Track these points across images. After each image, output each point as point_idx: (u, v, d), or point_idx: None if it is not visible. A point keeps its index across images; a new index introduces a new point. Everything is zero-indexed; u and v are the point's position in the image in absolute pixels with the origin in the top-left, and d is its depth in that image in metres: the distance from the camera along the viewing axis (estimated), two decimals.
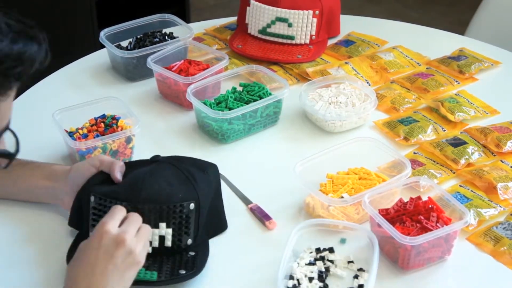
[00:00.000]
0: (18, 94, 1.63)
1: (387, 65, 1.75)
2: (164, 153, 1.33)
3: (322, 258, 1.19)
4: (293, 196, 1.33)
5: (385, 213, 1.22)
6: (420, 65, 1.77)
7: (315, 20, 1.77)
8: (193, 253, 1.18)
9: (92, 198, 1.19)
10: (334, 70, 1.72)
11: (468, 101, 1.61)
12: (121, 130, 1.41)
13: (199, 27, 1.93)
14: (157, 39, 1.75)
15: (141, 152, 1.43)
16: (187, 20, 3.10)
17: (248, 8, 1.81)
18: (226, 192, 1.33)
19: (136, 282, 1.10)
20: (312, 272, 1.16)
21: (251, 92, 1.54)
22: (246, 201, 1.34)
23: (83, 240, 1.10)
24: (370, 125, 1.55)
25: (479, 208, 1.30)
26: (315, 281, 1.14)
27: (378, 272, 1.14)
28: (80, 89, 1.68)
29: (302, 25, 1.77)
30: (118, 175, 1.21)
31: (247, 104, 1.49)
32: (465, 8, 3.61)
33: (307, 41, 1.79)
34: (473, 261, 1.22)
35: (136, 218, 1.11)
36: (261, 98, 1.51)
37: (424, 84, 1.67)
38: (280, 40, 1.79)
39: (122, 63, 1.69)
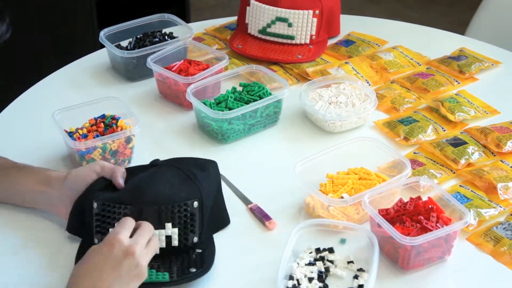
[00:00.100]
0: (18, 94, 1.64)
1: (387, 65, 1.75)
2: (164, 153, 1.33)
3: (322, 258, 1.19)
4: (293, 196, 1.33)
5: (385, 213, 1.22)
6: (420, 65, 1.77)
7: (315, 20, 1.77)
8: (200, 251, 1.19)
9: (95, 205, 1.19)
10: (334, 70, 1.72)
11: (468, 101, 1.61)
12: (121, 130, 1.41)
13: (199, 27, 1.93)
14: (157, 39, 1.75)
15: (141, 152, 1.43)
16: (187, 20, 3.10)
17: (248, 8, 1.81)
18: (226, 192, 1.33)
19: (149, 284, 1.11)
20: (312, 272, 1.16)
21: (251, 92, 1.54)
22: (246, 201, 1.34)
23: (88, 246, 1.11)
24: (370, 125, 1.55)
25: (479, 208, 1.30)
26: (315, 281, 1.14)
27: (378, 272, 1.14)
28: (80, 89, 1.68)
29: (302, 25, 1.77)
30: (120, 181, 1.22)
31: (247, 104, 1.49)
32: (465, 8, 3.61)
33: (307, 41, 1.79)
34: (473, 261, 1.22)
35: (147, 228, 1.12)
36: (261, 98, 1.51)
37: (424, 84, 1.67)
38: (280, 40, 1.79)
39: (122, 63, 1.69)
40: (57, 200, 1.24)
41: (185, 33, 1.75)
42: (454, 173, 1.41)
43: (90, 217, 1.19)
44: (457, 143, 1.46)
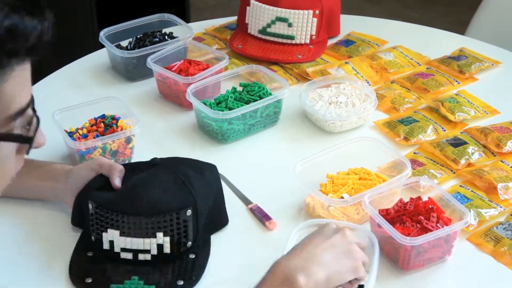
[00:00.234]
0: None
1: (387, 65, 1.75)
2: (164, 154, 1.33)
3: None
4: (293, 196, 1.33)
5: (385, 213, 1.22)
6: (420, 65, 1.77)
7: (315, 20, 1.77)
8: (193, 256, 1.18)
9: (90, 206, 1.19)
10: (334, 70, 1.71)
11: (468, 101, 1.61)
12: (121, 130, 1.41)
13: (199, 27, 1.93)
14: (157, 39, 1.74)
15: (141, 152, 1.43)
16: (187, 20, 3.10)
17: (248, 8, 1.81)
18: (226, 192, 1.33)
19: None
20: None
21: (251, 92, 1.54)
22: (246, 201, 1.34)
23: (87, 239, 1.16)
24: (370, 125, 1.55)
25: (479, 208, 1.30)
26: None
27: (378, 272, 1.14)
28: (80, 89, 1.68)
29: (302, 25, 1.77)
30: (116, 181, 1.22)
31: (247, 104, 1.49)
32: (465, 8, 3.61)
33: (307, 41, 1.79)
34: (473, 262, 1.22)
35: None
36: (261, 98, 1.51)
37: (424, 84, 1.67)
38: (280, 40, 1.79)
39: (122, 63, 1.69)
40: (63, 192, 1.26)
41: (185, 33, 1.75)
42: (454, 173, 1.41)
43: (87, 216, 1.20)
44: (457, 143, 1.46)
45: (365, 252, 1.10)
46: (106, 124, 1.43)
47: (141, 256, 1.17)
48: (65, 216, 1.28)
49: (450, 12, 3.86)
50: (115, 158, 1.40)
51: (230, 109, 1.48)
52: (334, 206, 1.27)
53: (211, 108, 1.48)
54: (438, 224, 1.18)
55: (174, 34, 1.78)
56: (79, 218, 1.24)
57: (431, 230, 1.16)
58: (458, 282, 1.19)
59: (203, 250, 1.21)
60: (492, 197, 1.33)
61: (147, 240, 1.16)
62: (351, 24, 1.94)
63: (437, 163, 1.43)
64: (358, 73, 1.71)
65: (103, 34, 1.72)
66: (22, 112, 0.82)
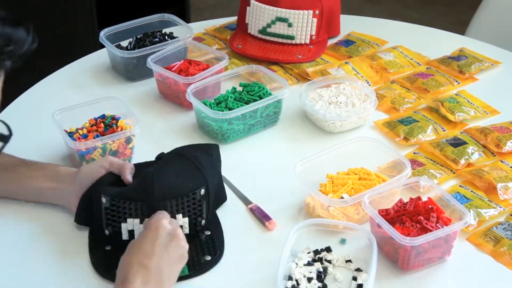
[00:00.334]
0: (18, 94, 1.64)
1: (387, 65, 1.75)
2: None
3: (320, 259, 1.19)
4: (293, 196, 1.33)
5: (385, 213, 1.22)
6: (420, 65, 1.77)
7: (315, 20, 1.77)
8: (208, 232, 1.23)
9: (104, 200, 1.20)
10: (334, 70, 1.72)
11: (468, 101, 1.61)
12: (121, 130, 1.41)
13: (199, 27, 1.93)
14: (157, 39, 1.75)
15: (141, 152, 1.43)
16: (187, 20, 3.10)
17: (248, 8, 1.81)
18: (226, 192, 1.33)
19: None
20: (310, 272, 1.16)
21: (251, 92, 1.54)
22: (246, 201, 1.34)
23: (98, 235, 1.21)
24: (370, 125, 1.55)
25: (479, 208, 1.30)
26: (314, 281, 1.14)
27: (378, 272, 1.14)
28: (80, 89, 1.68)
29: (302, 25, 1.77)
30: (129, 177, 1.24)
31: (247, 104, 1.49)
32: (465, 8, 3.60)
33: (307, 41, 1.79)
34: (473, 262, 1.22)
35: (176, 221, 1.17)
36: (261, 98, 1.51)
37: (424, 84, 1.67)
38: (280, 40, 1.79)
39: (122, 63, 1.69)
40: (68, 195, 1.26)
41: (185, 33, 1.75)
42: (454, 173, 1.41)
43: (99, 211, 1.21)
44: (457, 143, 1.46)
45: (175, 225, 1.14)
46: (106, 124, 1.43)
47: None
48: (69, 216, 1.28)
49: (450, 12, 3.86)
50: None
51: (230, 109, 1.48)
52: (334, 206, 1.27)
53: (211, 108, 1.48)
54: (437, 224, 1.18)
55: (174, 34, 1.78)
56: (85, 215, 1.24)
57: (430, 230, 1.16)
58: (458, 282, 1.19)
59: (215, 226, 1.25)
60: (492, 197, 1.34)
61: None
62: (351, 24, 1.94)
63: (437, 163, 1.43)
64: (358, 73, 1.71)
65: (103, 34, 1.72)
66: None
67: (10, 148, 1.36)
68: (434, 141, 1.48)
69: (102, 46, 1.74)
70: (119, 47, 1.73)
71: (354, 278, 1.16)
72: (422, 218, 1.18)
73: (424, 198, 1.24)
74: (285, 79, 1.63)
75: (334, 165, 1.36)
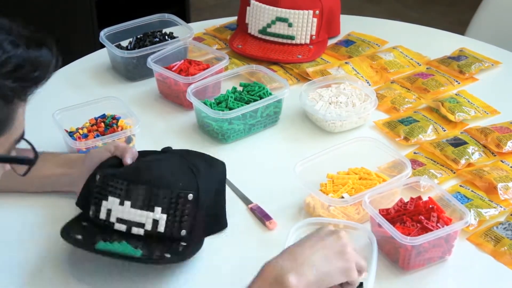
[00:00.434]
0: None
1: (387, 65, 1.75)
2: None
3: None
4: (293, 196, 1.33)
5: (385, 213, 1.22)
6: (420, 65, 1.77)
7: (315, 20, 1.77)
8: (185, 244, 1.19)
9: (97, 177, 1.22)
10: (334, 70, 1.72)
11: (468, 101, 1.61)
12: (121, 130, 1.41)
13: (199, 27, 1.93)
14: (157, 39, 1.75)
15: None
16: (187, 20, 3.10)
17: (248, 8, 1.81)
18: (226, 192, 1.33)
19: (120, 256, 1.13)
20: None
21: (251, 92, 1.54)
22: (246, 201, 1.34)
23: (84, 219, 1.20)
24: (370, 125, 1.55)
25: (479, 208, 1.30)
26: None
27: (378, 272, 1.14)
28: (80, 89, 1.68)
29: (302, 25, 1.77)
30: (128, 160, 1.25)
31: (247, 104, 1.49)
32: (465, 8, 3.60)
33: (307, 41, 1.79)
34: (473, 261, 1.22)
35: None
36: (261, 98, 1.51)
37: (424, 84, 1.67)
38: (280, 40, 1.79)
39: (122, 63, 1.69)
40: (78, 179, 1.27)
41: (185, 33, 1.75)
42: (454, 173, 1.41)
43: (92, 189, 1.22)
44: (457, 143, 1.46)
45: (361, 255, 1.08)
46: (107, 124, 1.43)
47: (134, 230, 1.18)
48: (73, 204, 1.29)
49: (450, 12, 3.86)
50: None
51: (230, 109, 1.48)
52: (334, 206, 1.27)
53: (211, 108, 1.48)
54: (438, 224, 1.18)
55: (174, 34, 1.78)
56: (84, 199, 1.25)
57: (431, 230, 1.16)
58: (458, 282, 1.19)
59: (195, 244, 1.20)
60: (492, 197, 1.34)
61: (144, 213, 1.17)
62: (351, 24, 1.94)
63: (437, 163, 1.43)
64: (358, 73, 1.71)
65: (103, 34, 1.72)
66: (22, 137, 0.91)
67: None
68: (435, 141, 1.48)
69: (102, 46, 1.74)
70: (119, 47, 1.73)
71: None
72: (422, 217, 1.18)
73: (425, 198, 1.24)
74: (285, 79, 1.63)
75: (334, 165, 1.36)
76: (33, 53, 0.82)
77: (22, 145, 0.93)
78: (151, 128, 1.53)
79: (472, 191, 1.35)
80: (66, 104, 1.48)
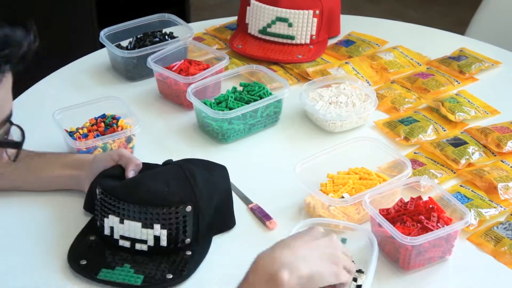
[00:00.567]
0: (18, 94, 1.64)
1: (387, 65, 1.75)
2: (164, 153, 1.34)
3: None
4: (293, 196, 1.33)
5: (385, 213, 1.22)
6: (420, 65, 1.77)
7: (315, 20, 1.77)
8: (189, 253, 1.19)
9: (97, 191, 1.22)
10: (335, 70, 1.71)
11: (469, 101, 1.61)
12: (121, 129, 1.41)
13: (199, 27, 1.93)
14: (157, 39, 1.74)
15: (141, 152, 1.43)
16: (187, 20, 3.09)
17: (248, 8, 1.81)
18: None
19: (120, 285, 1.14)
20: None
21: (251, 92, 1.54)
22: (246, 201, 1.34)
23: (93, 224, 1.22)
24: (371, 125, 1.55)
25: (479, 208, 1.30)
26: None
27: (379, 272, 1.14)
28: (80, 89, 1.68)
29: (302, 25, 1.77)
30: (130, 173, 1.25)
31: (247, 104, 1.49)
32: (465, 8, 3.60)
33: (307, 41, 1.79)
34: (473, 261, 1.22)
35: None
36: (261, 98, 1.51)
37: (424, 84, 1.67)
38: (280, 40, 1.79)
39: (122, 63, 1.69)
40: (85, 180, 1.29)
41: (185, 33, 1.75)
42: (454, 173, 1.41)
43: (95, 199, 1.23)
44: (457, 143, 1.46)
45: (349, 258, 1.08)
46: (107, 124, 1.43)
47: (138, 246, 1.18)
48: (79, 202, 1.30)
49: (450, 12, 3.86)
50: None
51: (230, 109, 1.48)
52: (334, 205, 1.27)
53: (211, 108, 1.48)
54: (438, 224, 1.18)
55: (174, 34, 1.78)
56: (91, 203, 1.26)
57: (431, 230, 1.16)
58: (458, 282, 1.19)
59: (201, 249, 1.21)
60: (493, 197, 1.33)
61: (144, 230, 1.17)
62: (351, 24, 1.94)
63: (438, 163, 1.43)
64: (358, 73, 1.71)
65: (103, 34, 1.72)
66: (8, 119, 0.89)
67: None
68: (435, 141, 1.48)
69: (102, 46, 1.74)
70: (119, 47, 1.73)
71: (354, 279, 1.15)
72: (423, 217, 1.18)
73: (425, 198, 1.24)
74: (285, 79, 1.63)
75: (334, 165, 1.36)
76: (3, 32, 0.81)
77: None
78: (151, 128, 1.53)
79: (472, 191, 1.35)
80: (66, 104, 1.48)
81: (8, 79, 0.86)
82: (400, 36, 1.89)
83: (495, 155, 1.46)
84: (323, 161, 1.35)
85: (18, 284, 1.17)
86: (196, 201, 1.19)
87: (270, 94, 1.53)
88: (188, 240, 1.19)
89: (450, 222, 1.19)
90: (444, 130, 1.53)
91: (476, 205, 1.30)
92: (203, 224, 1.20)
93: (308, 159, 1.34)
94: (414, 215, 1.20)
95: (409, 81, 1.69)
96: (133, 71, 1.70)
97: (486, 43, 1.88)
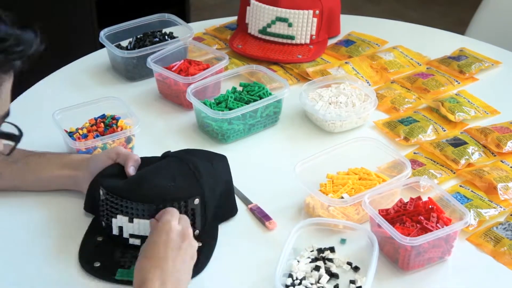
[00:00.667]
0: (18, 94, 1.64)
1: (387, 65, 1.75)
2: None
3: (323, 258, 1.19)
4: (293, 196, 1.33)
5: (385, 213, 1.22)
6: (420, 65, 1.77)
7: (315, 20, 1.77)
8: (200, 244, 1.19)
9: (101, 192, 1.22)
10: (334, 70, 1.71)
11: (469, 101, 1.61)
12: (121, 130, 1.41)
13: (199, 27, 1.93)
14: (157, 39, 1.74)
15: (141, 152, 1.42)
16: (187, 20, 3.10)
17: (248, 8, 1.81)
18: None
19: (128, 282, 1.13)
20: (311, 270, 1.16)
21: (251, 92, 1.54)
22: (246, 201, 1.34)
23: (98, 224, 1.22)
24: (370, 125, 1.55)
25: (479, 208, 1.30)
26: (314, 279, 1.14)
27: (378, 272, 1.14)
28: (80, 89, 1.68)
29: (302, 25, 1.77)
30: (131, 170, 1.25)
31: (247, 104, 1.49)
32: (465, 8, 3.60)
33: (307, 41, 1.79)
34: (473, 262, 1.22)
35: (186, 218, 1.17)
36: (261, 98, 1.51)
37: (424, 84, 1.67)
38: (280, 40, 1.79)
39: (122, 63, 1.69)
40: (83, 181, 1.29)
41: (185, 33, 1.75)
42: (454, 173, 1.41)
43: (98, 202, 1.23)
44: (457, 143, 1.46)
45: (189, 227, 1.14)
46: (106, 124, 1.43)
47: None
48: (78, 202, 1.30)
49: (450, 12, 3.86)
50: None
51: (230, 109, 1.48)
52: (334, 206, 1.27)
53: (211, 108, 1.48)
54: (438, 224, 1.18)
55: (174, 34, 1.78)
56: (91, 204, 1.26)
57: (431, 230, 1.16)
58: (458, 282, 1.19)
59: (210, 240, 1.22)
60: (492, 197, 1.33)
61: None
62: (351, 24, 1.94)
63: (437, 163, 1.43)
64: (358, 73, 1.71)
65: (103, 34, 1.72)
66: (7, 115, 0.93)
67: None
68: (434, 141, 1.48)
69: (102, 46, 1.74)
70: (119, 47, 1.73)
71: (353, 282, 1.15)
72: (422, 218, 1.18)
73: (424, 198, 1.24)
74: (285, 79, 1.63)
75: (334, 165, 1.36)
76: (17, 31, 0.85)
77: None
78: (151, 128, 1.53)
79: (472, 191, 1.35)
80: (66, 104, 1.48)
81: (10, 79, 0.88)
82: (400, 36, 1.89)
83: (494, 155, 1.46)
84: (322, 161, 1.35)
85: (18, 284, 1.17)
86: (203, 193, 1.20)
87: (270, 94, 1.53)
88: (197, 232, 1.20)
89: (450, 223, 1.19)
90: (444, 130, 1.53)
91: (475, 205, 1.30)
92: (210, 214, 1.22)
93: (308, 159, 1.34)
94: (413, 216, 1.20)
95: (409, 81, 1.69)
96: (133, 71, 1.70)
97: (486, 43, 1.88)
